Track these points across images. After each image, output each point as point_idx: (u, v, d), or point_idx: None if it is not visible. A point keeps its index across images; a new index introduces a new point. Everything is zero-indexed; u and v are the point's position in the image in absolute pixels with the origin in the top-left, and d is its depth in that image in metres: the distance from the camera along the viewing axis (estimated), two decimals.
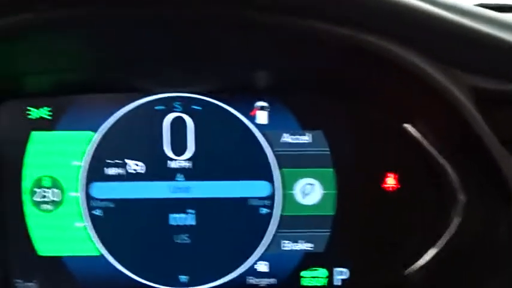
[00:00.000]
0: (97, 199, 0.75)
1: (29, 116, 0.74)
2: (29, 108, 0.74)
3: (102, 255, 0.76)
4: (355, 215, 0.75)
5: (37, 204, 0.75)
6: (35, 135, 0.74)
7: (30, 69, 0.69)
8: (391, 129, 0.72)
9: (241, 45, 0.64)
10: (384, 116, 0.72)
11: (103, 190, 0.75)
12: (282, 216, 0.75)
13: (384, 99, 0.70)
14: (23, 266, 0.76)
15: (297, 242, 0.76)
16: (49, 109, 0.74)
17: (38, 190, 0.75)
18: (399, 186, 0.75)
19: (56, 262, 0.76)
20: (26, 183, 0.75)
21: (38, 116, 0.74)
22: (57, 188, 0.75)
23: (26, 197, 0.75)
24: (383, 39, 0.55)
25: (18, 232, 0.75)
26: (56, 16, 0.55)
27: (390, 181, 0.75)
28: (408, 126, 0.71)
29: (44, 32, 0.57)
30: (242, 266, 0.76)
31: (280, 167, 0.75)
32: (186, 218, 0.75)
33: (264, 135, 0.74)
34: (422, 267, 0.74)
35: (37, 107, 0.74)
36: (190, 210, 0.75)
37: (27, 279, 0.76)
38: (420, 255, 0.74)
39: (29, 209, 0.75)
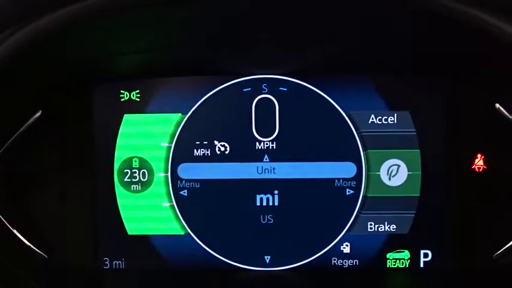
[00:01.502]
0: (184, 179, 0.77)
1: (122, 99, 0.76)
2: (121, 91, 0.76)
3: (187, 234, 0.78)
4: (441, 197, 0.75)
5: (127, 184, 0.78)
6: (127, 117, 0.76)
7: (121, 50, 0.71)
8: (483, 109, 0.72)
9: (333, 25, 0.64)
10: (476, 96, 0.71)
11: (190, 171, 0.77)
12: (367, 198, 0.76)
13: (478, 79, 0.70)
14: (112, 244, 0.79)
15: (381, 224, 0.76)
16: (138, 91, 0.77)
17: (127, 171, 0.77)
18: (485, 168, 0.74)
19: (143, 241, 0.78)
20: (117, 165, 0.77)
21: (128, 99, 0.77)
22: (145, 169, 0.77)
23: (116, 178, 0.78)
24: (489, 12, 0.54)
25: (109, 212, 0.78)
26: None
27: (478, 162, 0.74)
28: (500, 106, 0.71)
29: (135, 12, 0.59)
30: (327, 246, 0.77)
31: (366, 148, 0.75)
32: (272, 199, 0.76)
33: (349, 116, 0.75)
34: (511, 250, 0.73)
35: (129, 90, 0.76)
36: (275, 191, 0.76)
37: (115, 257, 0.79)
38: (510, 238, 0.73)
39: (119, 189, 0.78)
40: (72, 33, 0.59)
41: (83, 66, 0.72)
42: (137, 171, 0.77)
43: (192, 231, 0.78)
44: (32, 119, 0.74)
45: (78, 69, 0.73)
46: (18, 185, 0.77)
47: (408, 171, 0.75)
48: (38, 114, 0.75)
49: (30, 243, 0.76)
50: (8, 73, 0.61)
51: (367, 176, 0.75)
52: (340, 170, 0.75)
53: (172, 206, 0.78)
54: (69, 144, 0.77)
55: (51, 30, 0.55)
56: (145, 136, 0.77)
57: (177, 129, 0.76)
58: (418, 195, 0.75)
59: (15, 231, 0.75)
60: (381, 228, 0.76)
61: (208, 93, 0.76)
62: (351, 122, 0.75)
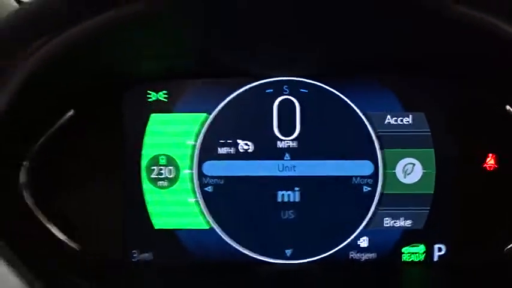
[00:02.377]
0: (208, 176, 0.81)
1: (149, 100, 0.80)
2: (149, 92, 0.80)
3: (212, 229, 0.82)
4: (454, 194, 0.78)
5: (154, 181, 0.82)
6: (154, 117, 0.80)
7: (149, 54, 0.74)
8: (494, 111, 0.75)
9: (352, 28, 0.67)
10: (487, 98, 0.75)
11: (214, 168, 0.81)
12: (384, 194, 0.79)
13: (488, 81, 0.73)
14: (140, 238, 0.83)
15: (397, 219, 0.80)
16: (165, 92, 0.81)
17: (154, 168, 0.81)
18: (497, 167, 0.78)
19: (170, 235, 0.82)
20: (144, 162, 0.82)
21: (155, 99, 0.81)
22: (172, 166, 0.81)
23: (143, 175, 0.82)
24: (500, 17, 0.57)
25: (136, 207, 0.82)
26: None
27: (490, 161, 0.77)
28: (510, 108, 0.74)
29: (160, 20, 0.62)
30: (345, 241, 0.80)
31: (383, 147, 0.79)
32: (292, 195, 0.80)
33: (367, 116, 0.79)
34: None
35: (156, 91, 0.80)
36: (296, 188, 0.80)
37: (143, 250, 0.83)
38: None
39: (146, 185, 0.82)
40: (104, 43, 0.62)
41: (113, 70, 0.76)
42: (164, 168, 0.81)
43: (216, 226, 0.82)
44: (65, 118, 0.78)
45: (108, 73, 0.77)
46: (50, 180, 0.81)
47: (423, 169, 0.79)
48: (71, 113, 0.79)
49: (63, 236, 0.80)
50: (41, 79, 0.65)
51: (384, 174, 0.79)
52: (358, 168, 0.79)
53: (197, 202, 0.82)
54: (100, 143, 0.81)
55: (84, 40, 0.59)
56: (172, 135, 0.81)
57: (202, 128, 0.80)
58: (432, 192, 0.79)
59: (49, 225, 0.80)
60: (397, 224, 0.80)
61: (232, 94, 0.80)
62: (368, 123, 0.79)
